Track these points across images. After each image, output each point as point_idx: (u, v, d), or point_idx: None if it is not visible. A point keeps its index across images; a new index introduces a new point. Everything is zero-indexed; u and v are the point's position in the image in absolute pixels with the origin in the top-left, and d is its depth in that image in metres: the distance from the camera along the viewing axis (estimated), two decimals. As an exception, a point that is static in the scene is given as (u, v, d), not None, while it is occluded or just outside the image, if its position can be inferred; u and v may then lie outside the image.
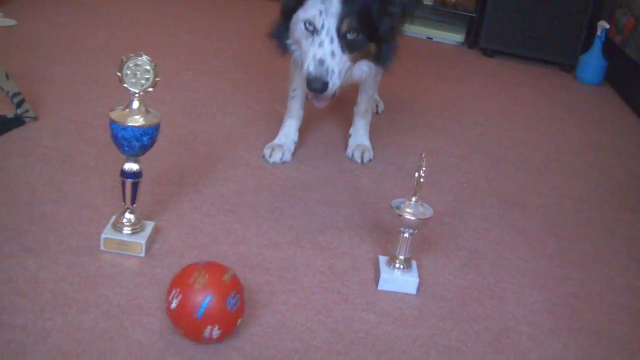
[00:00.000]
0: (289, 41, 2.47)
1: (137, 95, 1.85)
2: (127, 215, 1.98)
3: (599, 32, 4.44)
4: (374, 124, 2.91)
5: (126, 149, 1.87)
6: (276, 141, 2.73)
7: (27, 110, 2.64)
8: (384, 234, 2.23)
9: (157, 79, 1.84)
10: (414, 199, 1.95)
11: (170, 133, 2.72)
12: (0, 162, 2.36)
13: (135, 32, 4.03)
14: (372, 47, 2.38)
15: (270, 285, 1.93)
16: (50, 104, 2.83)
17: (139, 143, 1.85)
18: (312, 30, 2.28)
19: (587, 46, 4.56)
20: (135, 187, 1.94)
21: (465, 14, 4.94)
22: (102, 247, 1.97)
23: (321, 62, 2.25)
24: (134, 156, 1.90)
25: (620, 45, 4.33)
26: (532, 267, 2.25)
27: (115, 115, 1.85)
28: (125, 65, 1.82)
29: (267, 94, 3.32)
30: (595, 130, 3.66)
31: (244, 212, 2.28)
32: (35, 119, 2.66)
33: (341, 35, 2.26)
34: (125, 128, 1.83)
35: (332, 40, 2.26)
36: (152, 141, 1.89)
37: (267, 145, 2.71)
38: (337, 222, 2.31)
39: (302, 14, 2.31)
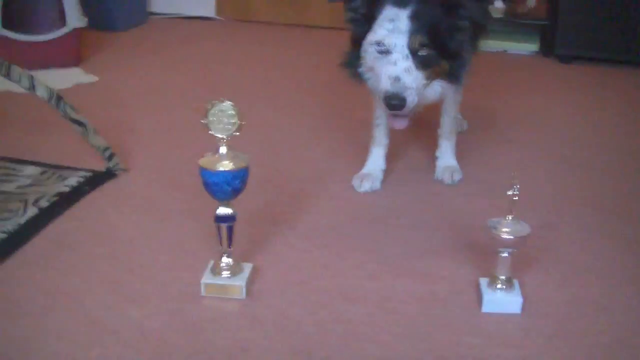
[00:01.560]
0: (361, 69, 2.45)
1: (224, 140, 1.87)
2: (225, 259, 2.00)
3: (679, 27, 4.33)
4: (459, 143, 2.88)
5: (218, 194, 1.89)
6: (364, 170, 2.73)
7: (117, 163, 2.71)
8: (481, 255, 2.20)
9: (242, 123, 1.86)
10: (509, 217, 1.92)
11: (258, 173, 2.73)
12: (96, 216, 2.42)
13: (212, 74, 4.10)
14: (445, 64, 2.35)
15: (372, 316, 1.92)
16: (139, 154, 2.90)
17: (231, 187, 1.88)
18: (384, 51, 2.28)
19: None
20: (230, 230, 1.96)
21: (537, 22, 4.87)
22: (202, 293, 1.99)
23: (397, 79, 2.24)
24: (226, 200, 1.92)
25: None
26: (637, 275, 2.18)
27: (204, 162, 1.88)
28: (210, 112, 1.85)
29: (349, 123, 3.33)
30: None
31: (339, 245, 2.28)
32: (126, 170, 2.73)
33: (413, 52, 2.25)
34: (216, 174, 1.86)
35: (405, 58, 2.25)
36: (244, 184, 1.91)
37: (356, 176, 2.71)
38: (433, 246, 2.29)
39: (371, 37, 2.31)
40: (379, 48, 2.29)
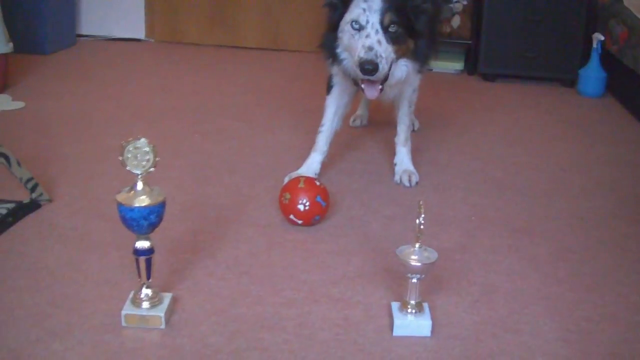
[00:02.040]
0: (338, 50, 2.75)
1: (140, 176, 1.92)
2: (145, 290, 2.04)
3: (594, 45, 4.50)
4: (376, 161, 3.00)
5: (135, 228, 1.94)
6: (299, 171, 2.96)
7: (41, 194, 2.73)
8: (396, 279, 2.28)
9: (157, 159, 1.91)
10: (417, 245, 2.01)
11: (181, 199, 2.80)
12: (19, 248, 2.44)
13: (140, 99, 4.14)
14: (411, 43, 2.69)
15: (289, 343, 1.98)
16: (63, 183, 2.92)
17: (147, 222, 1.93)
18: (359, 27, 2.59)
19: (585, 59, 4.60)
20: (149, 262, 2.01)
21: (461, 42, 5.01)
22: (123, 323, 2.03)
23: (370, 48, 2.55)
24: (144, 234, 1.97)
25: (618, 55, 4.38)
26: (544, 294, 2.29)
27: (121, 197, 1.93)
28: (126, 150, 1.90)
29: (272, 146, 3.40)
30: (600, 143, 3.70)
31: (258, 272, 2.35)
32: (50, 201, 2.75)
33: (384, 29, 2.58)
34: (132, 209, 1.91)
35: (377, 32, 2.57)
36: (160, 218, 1.96)
37: (289, 174, 2.94)
38: (350, 272, 2.36)
39: (348, 16, 2.63)
40: (355, 25, 2.60)
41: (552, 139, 3.74)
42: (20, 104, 3.93)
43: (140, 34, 5.56)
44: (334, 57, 2.79)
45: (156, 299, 2.06)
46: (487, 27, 4.74)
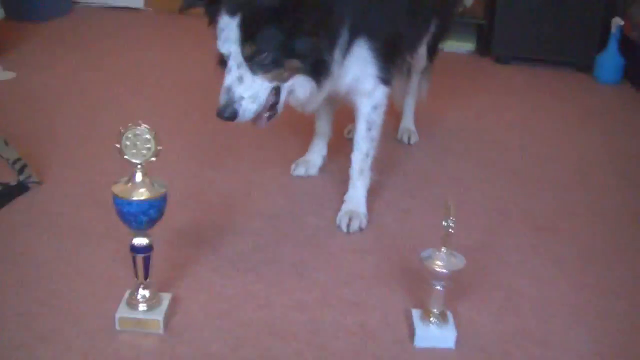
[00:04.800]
0: None
1: (139, 166, 1.73)
2: (142, 291, 1.86)
3: (613, 30, 4.30)
4: (393, 151, 2.78)
5: (133, 224, 1.75)
6: (305, 157, 2.82)
7: (30, 176, 2.54)
8: (415, 281, 2.09)
9: (159, 148, 1.72)
10: (444, 250, 1.82)
11: (182, 185, 2.61)
12: (5, 237, 2.25)
13: (137, 72, 3.93)
14: (294, 63, 2.17)
15: (300, 354, 1.80)
16: (54, 164, 2.73)
17: (146, 217, 1.74)
18: (224, 60, 2.19)
19: (602, 45, 4.40)
20: (147, 261, 1.82)
21: (474, 21, 4.80)
22: (117, 327, 1.85)
23: (228, 89, 2.15)
24: (142, 230, 1.78)
25: (637, 41, 4.18)
26: (572, 302, 2.11)
27: (118, 189, 1.73)
28: (124, 137, 1.71)
29: (280, 128, 3.20)
30: (620, 134, 3.51)
31: (265, 269, 2.16)
32: (40, 183, 2.56)
33: (248, 59, 2.14)
34: (130, 203, 1.72)
35: (239, 66, 2.15)
36: (160, 213, 1.77)
37: (295, 162, 2.81)
38: (364, 271, 2.18)
39: (217, 46, 2.21)
40: (222, 58, 2.20)
41: (570, 128, 3.54)
42: (11, 74, 3.73)
43: (139, 2, 5.34)
44: None
45: (154, 300, 1.88)
46: (501, 7, 4.52)
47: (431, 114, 3.53)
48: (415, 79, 3.14)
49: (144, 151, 1.71)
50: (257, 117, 2.22)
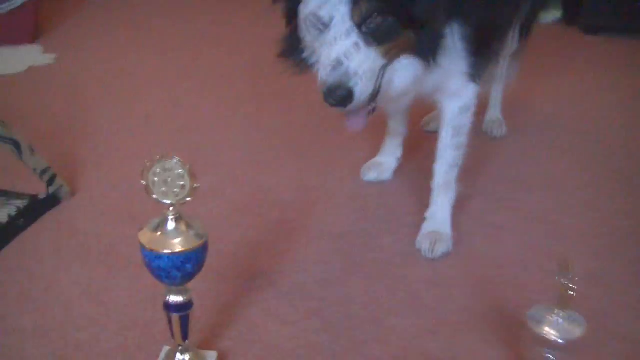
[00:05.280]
0: (305, 55, 1.83)
1: (171, 209, 1.36)
2: (179, 355, 1.50)
3: None
4: (476, 148, 2.32)
5: (165, 280, 1.39)
6: (375, 159, 2.46)
7: (60, 186, 2.21)
8: (513, 326, 1.69)
9: (195, 186, 1.34)
10: (560, 313, 1.41)
11: (231, 195, 2.25)
12: (30, 267, 1.93)
13: (189, 54, 3.56)
14: (409, 35, 1.68)
15: None
16: (90, 169, 2.42)
17: (181, 273, 1.37)
18: (321, 26, 1.66)
19: None
20: (185, 320, 1.46)
21: (561, -16, 4.31)
22: (152, 398, 1.51)
23: (338, 63, 1.61)
24: (177, 286, 1.42)
25: None
26: None
27: (146, 239, 1.36)
28: (151, 172, 1.33)
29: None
30: None
31: (331, 311, 1.77)
32: (72, 194, 2.23)
33: (359, 24, 1.62)
34: (161, 257, 1.35)
35: (348, 33, 1.62)
36: (199, 266, 1.40)
37: (365, 164, 2.44)
38: (451, 314, 1.77)
39: (304, 8, 1.70)
40: (316, 23, 1.67)
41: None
42: (51, 58, 3.42)
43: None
44: (301, 66, 1.85)
45: (196, 362, 1.52)
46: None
47: (518, 100, 3.06)
48: (503, 63, 2.69)
49: (177, 189, 1.34)
50: (355, 111, 1.71)
